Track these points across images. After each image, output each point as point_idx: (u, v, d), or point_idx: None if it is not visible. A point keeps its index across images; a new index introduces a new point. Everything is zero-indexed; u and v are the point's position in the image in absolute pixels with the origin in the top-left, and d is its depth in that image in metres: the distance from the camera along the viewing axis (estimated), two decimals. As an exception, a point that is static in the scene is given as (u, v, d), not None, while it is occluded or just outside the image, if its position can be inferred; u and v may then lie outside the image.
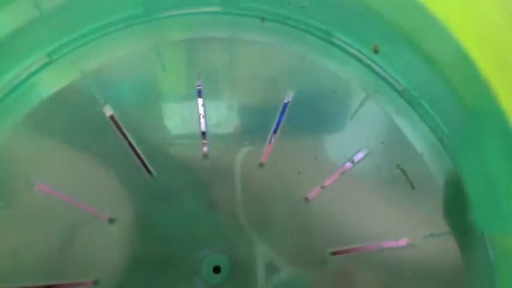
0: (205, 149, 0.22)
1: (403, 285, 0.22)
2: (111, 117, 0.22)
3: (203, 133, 0.22)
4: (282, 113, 0.22)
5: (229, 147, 0.22)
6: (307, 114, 0.22)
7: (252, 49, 0.22)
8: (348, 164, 0.22)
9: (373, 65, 0.21)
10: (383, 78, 0.21)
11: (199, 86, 0.22)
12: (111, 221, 0.22)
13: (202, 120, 0.22)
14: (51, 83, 0.20)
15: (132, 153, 0.22)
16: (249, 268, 0.22)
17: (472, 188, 0.16)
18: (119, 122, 0.21)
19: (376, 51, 0.19)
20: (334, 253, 0.22)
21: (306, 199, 0.23)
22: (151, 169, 0.22)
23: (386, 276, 0.22)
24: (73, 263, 0.21)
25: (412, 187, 0.22)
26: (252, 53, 0.22)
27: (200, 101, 0.22)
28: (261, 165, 0.23)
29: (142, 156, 0.22)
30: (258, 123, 0.22)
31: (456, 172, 0.18)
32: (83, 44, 0.21)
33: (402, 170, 0.22)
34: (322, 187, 0.23)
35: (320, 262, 0.22)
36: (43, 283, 0.21)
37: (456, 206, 0.20)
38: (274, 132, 0.22)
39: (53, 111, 0.21)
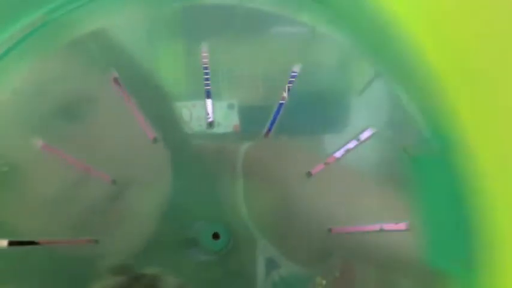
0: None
1: (401, 284, 0.22)
2: (115, 80, 0.21)
3: (205, 129, 0.22)
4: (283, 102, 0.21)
5: (230, 144, 0.22)
6: (314, 90, 0.21)
7: (261, 19, 0.21)
8: (353, 142, 0.22)
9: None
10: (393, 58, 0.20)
11: (207, 80, 0.21)
12: (113, 182, 0.22)
13: (202, 119, 0.22)
14: (48, 44, 0.20)
15: (135, 116, 0.22)
16: (246, 237, 0.22)
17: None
18: (123, 85, 0.21)
19: None
20: (334, 231, 0.22)
21: (309, 174, 0.22)
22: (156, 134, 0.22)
23: (385, 272, 0.22)
24: (74, 221, 0.22)
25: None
26: (262, 24, 0.21)
27: (209, 101, 0.22)
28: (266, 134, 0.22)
29: (146, 119, 0.22)
30: (259, 117, 0.22)
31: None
32: (78, 7, 0.20)
33: (408, 153, 0.21)
34: (326, 163, 0.22)
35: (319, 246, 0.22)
36: (45, 238, 0.22)
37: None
38: (279, 108, 0.22)
39: (52, 72, 0.20)
